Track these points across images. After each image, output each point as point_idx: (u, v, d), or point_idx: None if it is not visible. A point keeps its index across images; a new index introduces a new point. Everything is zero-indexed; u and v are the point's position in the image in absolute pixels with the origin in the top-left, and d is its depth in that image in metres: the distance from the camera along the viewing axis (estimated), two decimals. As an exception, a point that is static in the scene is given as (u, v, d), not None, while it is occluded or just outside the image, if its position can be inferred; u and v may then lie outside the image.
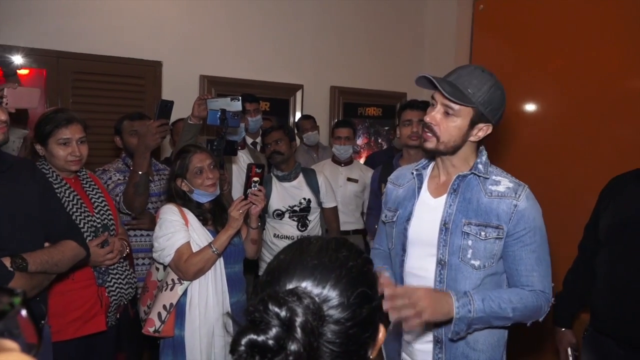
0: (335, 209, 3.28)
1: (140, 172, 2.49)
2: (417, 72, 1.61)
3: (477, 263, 1.55)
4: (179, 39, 3.96)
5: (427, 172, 1.73)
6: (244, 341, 0.71)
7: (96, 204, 2.23)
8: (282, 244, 3.05)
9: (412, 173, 1.74)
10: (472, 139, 1.57)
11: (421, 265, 1.64)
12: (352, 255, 0.85)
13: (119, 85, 3.74)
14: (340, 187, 3.51)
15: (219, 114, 2.53)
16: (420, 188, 1.70)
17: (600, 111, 3.03)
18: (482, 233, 1.54)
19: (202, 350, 2.09)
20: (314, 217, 3.18)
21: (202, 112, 2.67)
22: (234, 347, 0.72)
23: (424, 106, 2.78)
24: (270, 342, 0.70)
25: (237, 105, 2.59)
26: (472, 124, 1.54)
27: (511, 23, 3.59)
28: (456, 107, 1.52)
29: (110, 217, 2.26)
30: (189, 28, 4.00)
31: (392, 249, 1.78)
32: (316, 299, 0.77)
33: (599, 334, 2.03)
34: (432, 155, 1.68)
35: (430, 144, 1.57)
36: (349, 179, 3.56)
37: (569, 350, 2.23)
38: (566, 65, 3.23)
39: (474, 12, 3.94)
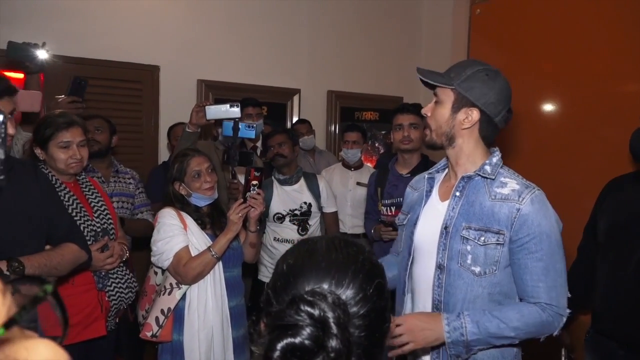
0: (335, 214, 3.30)
1: None
2: (414, 76, 1.63)
3: (477, 269, 1.47)
4: (176, 43, 3.97)
5: (441, 176, 1.70)
6: (279, 346, 0.70)
7: (95, 208, 2.22)
8: (283, 247, 3.05)
9: (425, 177, 1.72)
10: (462, 126, 1.52)
11: (425, 270, 1.60)
12: (360, 250, 0.87)
13: (116, 89, 3.73)
14: (350, 191, 3.53)
15: (232, 124, 2.55)
16: (430, 192, 1.68)
17: (596, 114, 3.06)
18: (482, 238, 1.47)
19: (201, 355, 2.09)
20: (314, 222, 3.18)
21: (200, 119, 2.65)
22: (267, 356, 0.71)
23: (414, 110, 2.79)
24: (307, 342, 0.70)
25: (235, 112, 2.60)
26: (456, 109, 1.51)
27: (508, 27, 3.62)
28: (439, 92, 1.54)
29: (110, 221, 2.26)
30: (187, 32, 4.01)
31: (400, 252, 1.76)
32: (339, 296, 0.78)
33: (601, 335, 2.05)
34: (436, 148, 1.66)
35: (427, 137, 1.60)
36: (358, 183, 3.57)
37: (563, 351, 2.26)
38: (564, 69, 3.26)
39: (471, 16, 3.97)
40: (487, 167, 1.52)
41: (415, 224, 1.65)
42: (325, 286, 0.79)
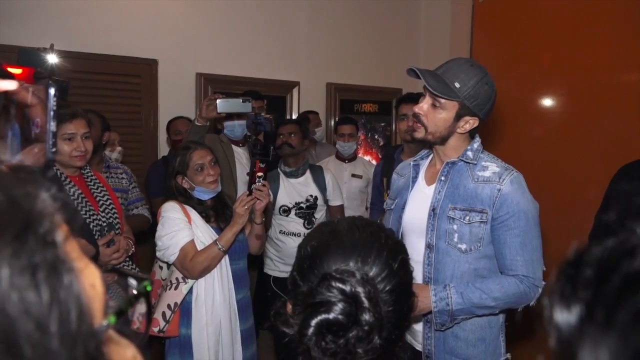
0: (341, 207, 3.28)
1: None
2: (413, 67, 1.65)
3: (463, 247, 1.59)
4: (175, 36, 3.93)
5: (426, 162, 1.80)
6: (313, 323, 0.72)
7: (101, 202, 2.20)
8: (288, 240, 3.04)
9: (410, 163, 1.81)
10: (459, 130, 1.62)
11: (412, 250, 1.68)
12: (380, 228, 0.89)
13: (114, 83, 3.69)
14: (345, 183, 3.52)
15: (253, 118, 2.55)
16: (415, 177, 1.78)
17: (599, 104, 3.06)
18: (467, 217, 1.58)
19: (209, 348, 2.08)
20: (320, 215, 3.16)
21: (211, 112, 2.61)
22: (302, 333, 0.73)
23: (419, 99, 2.79)
24: (341, 317, 0.72)
25: (247, 107, 2.61)
26: (458, 117, 1.60)
27: (512, 16, 3.60)
28: (442, 100, 1.58)
29: (116, 215, 2.24)
30: (185, 26, 3.97)
31: None
32: (366, 273, 0.79)
33: None
34: (427, 144, 1.75)
35: (419, 134, 1.65)
36: (353, 175, 3.58)
37: None
38: (568, 59, 3.25)
39: (474, 5, 3.94)
40: (469, 153, 1.64)
41: (403, 208, 1.75)
42: (352, 264, 0.80)
